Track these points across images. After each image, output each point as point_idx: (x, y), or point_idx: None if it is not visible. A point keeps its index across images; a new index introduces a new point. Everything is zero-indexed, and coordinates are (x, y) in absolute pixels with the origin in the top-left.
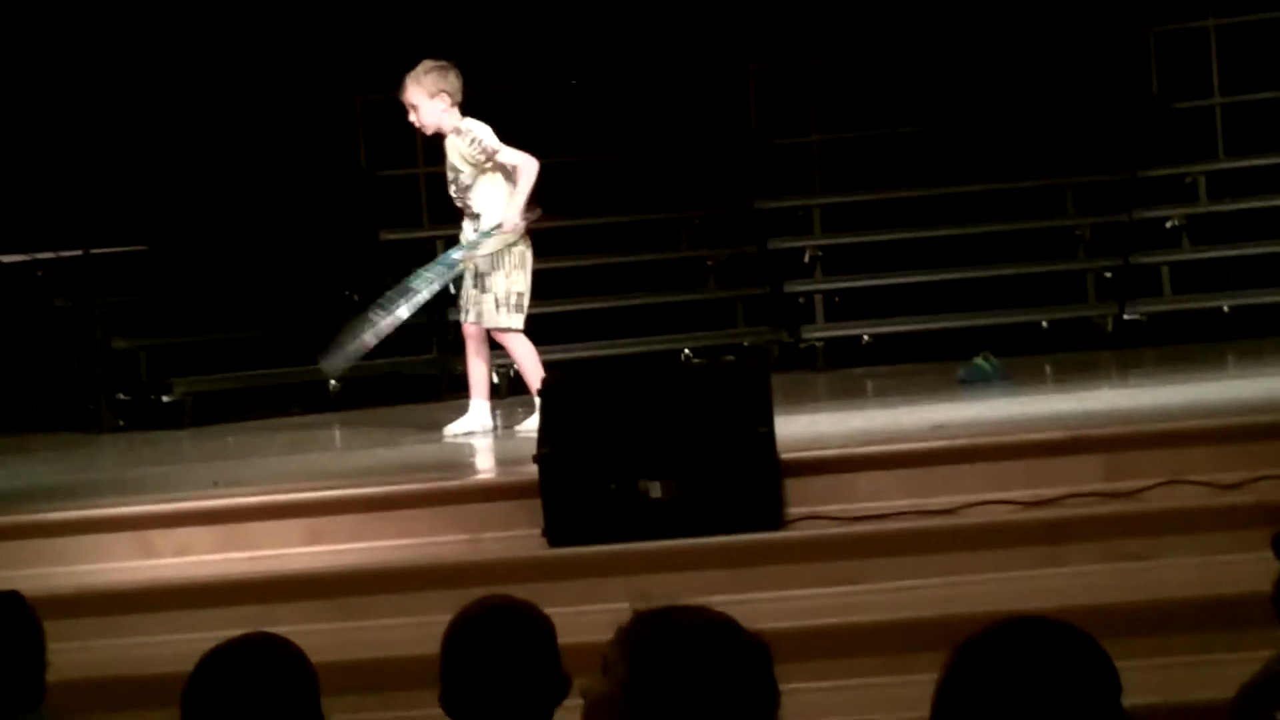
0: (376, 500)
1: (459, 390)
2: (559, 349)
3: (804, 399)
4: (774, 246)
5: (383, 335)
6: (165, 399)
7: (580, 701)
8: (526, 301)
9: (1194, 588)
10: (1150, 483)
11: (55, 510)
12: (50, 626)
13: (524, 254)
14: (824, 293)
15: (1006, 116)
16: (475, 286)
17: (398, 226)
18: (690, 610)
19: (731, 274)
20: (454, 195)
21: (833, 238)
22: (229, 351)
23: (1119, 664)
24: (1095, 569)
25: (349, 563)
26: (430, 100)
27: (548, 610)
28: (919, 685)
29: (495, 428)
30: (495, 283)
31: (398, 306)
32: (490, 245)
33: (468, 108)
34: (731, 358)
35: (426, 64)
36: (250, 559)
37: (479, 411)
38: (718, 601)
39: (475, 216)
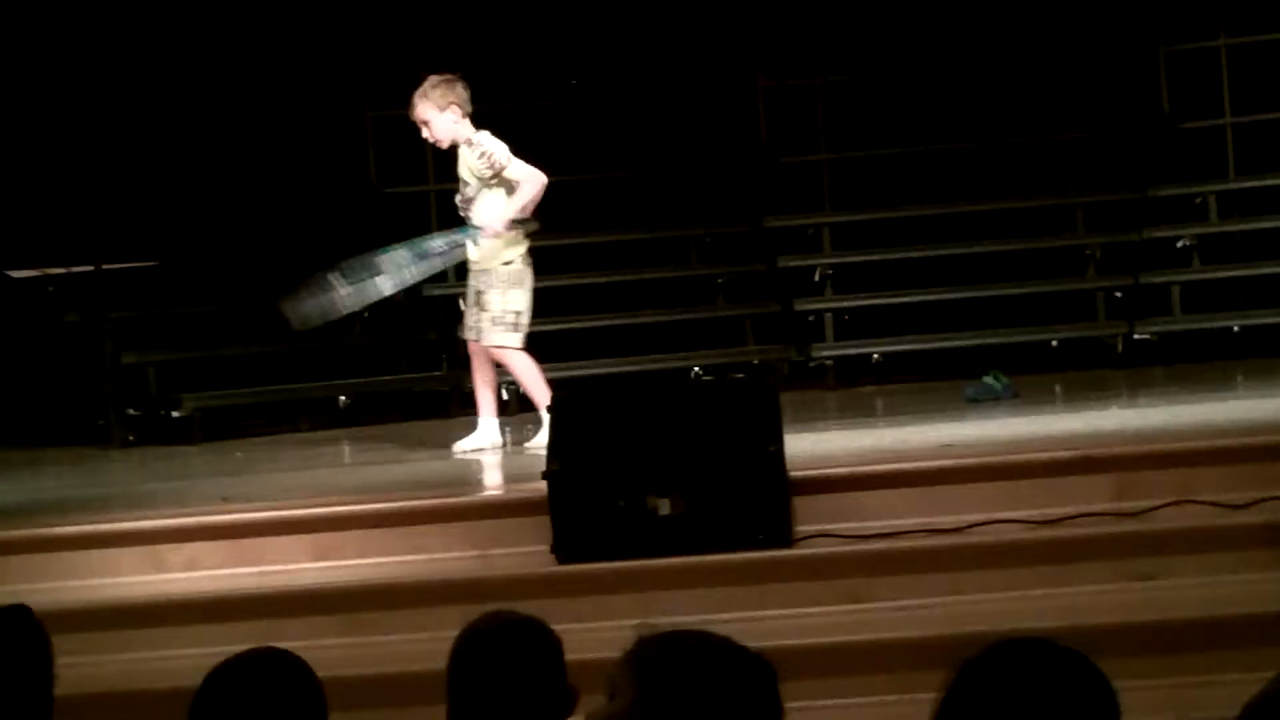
0: (385, 516)
1: (469, 407)
2: (569, 366)
3: (813, 417)
4: (784, 264)
5: (360, 306)
6: (175, 414)
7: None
8: (526, 320)
9: (1203, 607)
10: (1159, 502)
11: (65, 524)
12: (59, 641)
13: (522, 273)
14: (834, 311)
15: (1017, 135)
16: (475, 304)
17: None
18: (695, 632)
19: (741, 292)
20: (459, 204)
21: (842, 256)
22: (238, 367)
23: (1127, 684)
24: (1104, 588)
25: (357, 578)
26: (441, 114)
27: (556, 627)
28: (927, 704)
29: (504, 444)
30: (491, 301)
31: (370, 279)
32: (470, 247)
33: (480, 124)
34: (741, 375)
35: (433, 79)
36: (259, 574)
37: (488, 428)
38: (726, 618)
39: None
